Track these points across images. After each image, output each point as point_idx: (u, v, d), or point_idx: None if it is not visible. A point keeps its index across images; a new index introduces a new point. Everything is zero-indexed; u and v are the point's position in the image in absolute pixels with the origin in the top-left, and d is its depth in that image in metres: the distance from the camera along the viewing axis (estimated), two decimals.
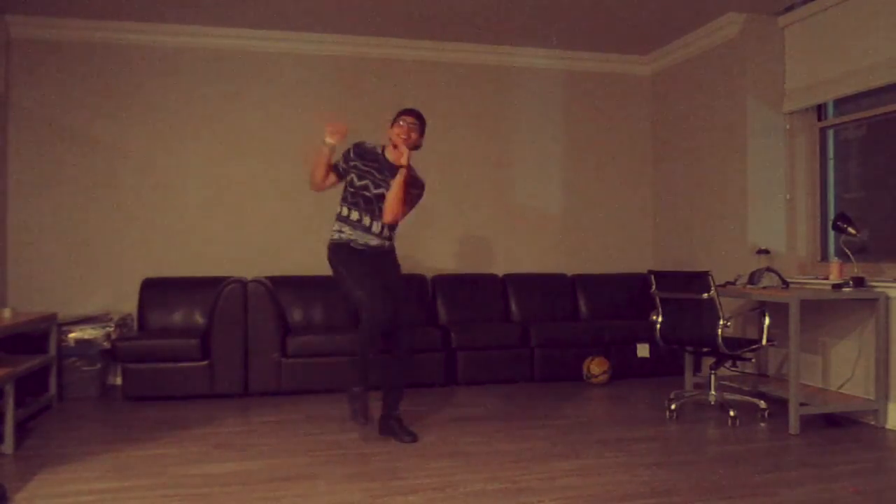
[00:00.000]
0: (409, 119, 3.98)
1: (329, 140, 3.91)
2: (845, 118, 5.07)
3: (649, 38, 6.07)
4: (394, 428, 3.96)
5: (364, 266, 3.90)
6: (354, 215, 3.94)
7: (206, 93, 5.81)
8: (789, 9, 5.21)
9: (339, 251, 3.95)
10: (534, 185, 6.45)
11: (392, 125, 3.99)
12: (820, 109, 5.26)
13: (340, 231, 3.96)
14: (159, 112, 5.74)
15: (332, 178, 4.05)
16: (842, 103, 5.09)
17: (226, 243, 5.81)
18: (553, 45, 6.25)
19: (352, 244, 3.93)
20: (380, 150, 4.03)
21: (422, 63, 6.19)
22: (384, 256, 4.02)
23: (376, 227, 3.94)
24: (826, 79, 4.96)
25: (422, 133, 4.03)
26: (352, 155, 4.00)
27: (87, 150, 5.61)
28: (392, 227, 4.03)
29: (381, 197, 3.92)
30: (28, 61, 5.50)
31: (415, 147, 4.00)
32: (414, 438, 3.91)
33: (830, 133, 5.24)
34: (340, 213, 3.99)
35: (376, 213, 3.93)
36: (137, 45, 5.67)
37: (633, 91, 6.66)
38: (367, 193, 3.93)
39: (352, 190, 3.96)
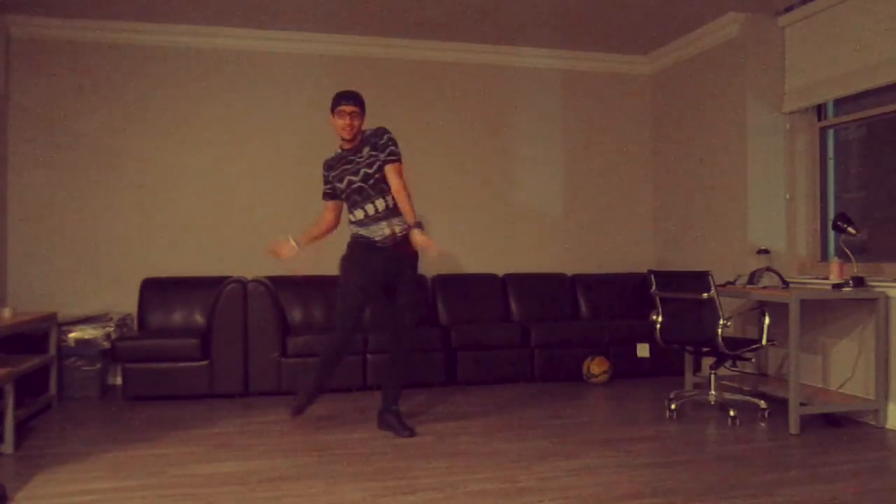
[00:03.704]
0: (349, 108, 3.92)
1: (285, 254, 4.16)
2: (845, 118, 5.06)
3: (649, 38, 6.07)
4: (391, 423, 4.06)
5: (361, 277, 4.00)
6: (359, 214, 4.01)
7: (205, 92, 5.81)
8: (789, 9, 5.20)
9: (349, 255, 4.09)
10: (534, 185, 6.45)
11: (333, 115, 3.97)
12: (820, 109, 5.26)
13: (356, 232, 4.07)
14: (159, 111, 5.74)
15: (333, 210, 4.22)
16: (842, 103, 5.09)
17: (226, 243, 5.81)
18: (553, 45, 6.26)
19: (364, 242, 4.03)
20: (339, 150, 4.09)
21: (422, 63, 6.19)
22: (393, 255, 4.02)
23: (381, 206, 3.98)
24: (826, 79, 4.96)
25: (363, 114, 4.00)
26: (325, 172, 4.15)
27: (86, 149, 5.61)
28: (390, 207, 4.00)
29: (367, 177, 3.96)
30: (28, 61, 5.50)
31: (365, 143, 4.00)
32: (411, 433, 3.99)
33: (830, 133, 5.24)
34: (350, 220, 4.09)
35: (372, 195, 3.98)
36: (137, 45, 5.67)
37: (633, 91, 6.66)
38: (354, 185, 3.98)
39: (344, 196, 4.07)
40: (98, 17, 5.44)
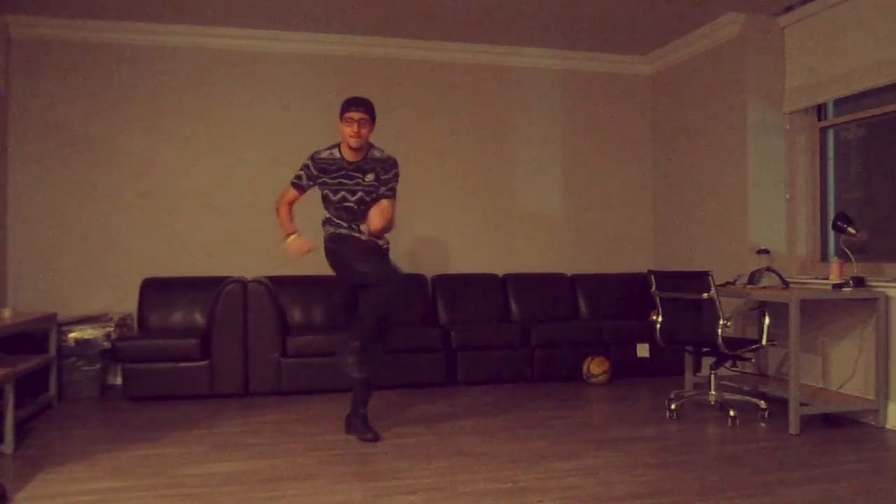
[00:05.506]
0: (357, 115, 3.81)
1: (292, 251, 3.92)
2: (845, 118, 5.07)
3: (649, 38, 6.07)
4: (357, 426, 3.98)
5: (362, 250, 3.90)
6: (342, 224, 3.96)
7: (205, 92, 5.81)
8: (789, 9, 5.21)
9: (338, 239, 3.94)
10: (534, 185, 6.45)
11: (341, 119, 3.86)
12: (820, 109, 5.26)
13: (338, 227, 3.96)
14: (159, 111, 5.74)
15: (294, 201, 4.03)
16: (842, 103, 5.09)
17: (226, 243, 5.81)
18: (553, 45, 6.25)
19: (337, 234, 3.96)
20: (337, 155, 3.92)
21: (422, 63, 6.19)
22: (378, 251, 4.00)
23: (363, 228, 3.96)
24: (826, 79, 4.96)
25: (372, 122, 3.89)
26: (314, 171, 3.92)
27: (86, 149, 5.61)
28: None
29: (362, 202, 3.91)
30: (28, 61, 5.50)
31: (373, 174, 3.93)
32: (375, 437, 3.90)
33: (830, 133, 5.24)
34: (330, 219, 3.99)
35: (358, 217, 3.95)
36: (137, 45, 5.67)
37: (633, 91, 6.66)
38: (348, 204, 3.92)
39: (331, 206, 3.96)
40: (98, 17, 5.44)
